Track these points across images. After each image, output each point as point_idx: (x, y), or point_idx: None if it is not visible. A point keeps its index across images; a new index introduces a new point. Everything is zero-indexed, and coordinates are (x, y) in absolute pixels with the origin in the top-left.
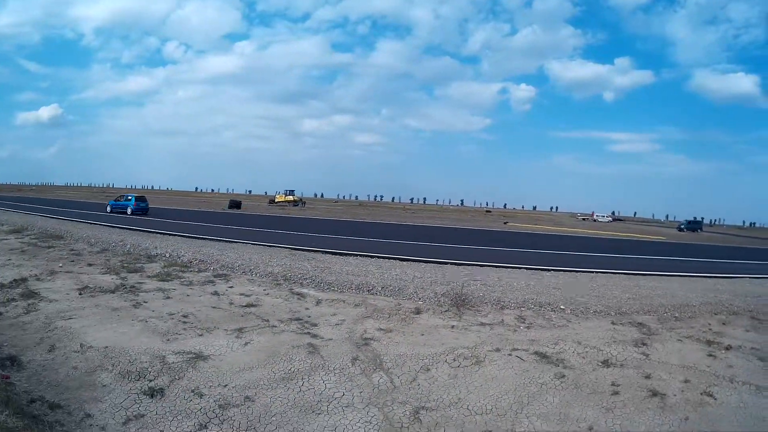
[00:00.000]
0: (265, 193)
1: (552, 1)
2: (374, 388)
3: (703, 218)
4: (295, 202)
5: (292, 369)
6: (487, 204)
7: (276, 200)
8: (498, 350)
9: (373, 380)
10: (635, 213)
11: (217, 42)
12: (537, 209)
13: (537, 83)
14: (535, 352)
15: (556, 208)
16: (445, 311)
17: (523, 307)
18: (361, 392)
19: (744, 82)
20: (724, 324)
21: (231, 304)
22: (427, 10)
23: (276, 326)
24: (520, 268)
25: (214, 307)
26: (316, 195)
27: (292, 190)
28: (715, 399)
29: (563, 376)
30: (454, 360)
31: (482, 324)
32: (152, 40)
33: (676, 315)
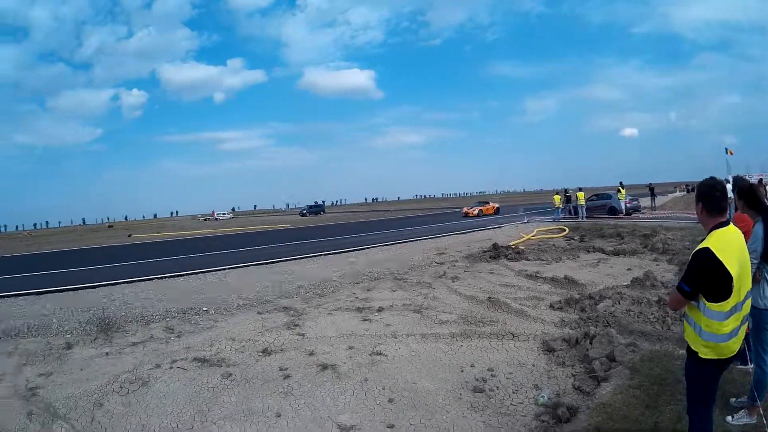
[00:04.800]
0: None
1: (171, 3)
2: None
3: (324, 201)
4: None
5: None
6: (108, 219)
7: None
8: (159, 366)
9: (55, 430)
10: (255, 206)
11: None
12: (158, 216)
13: (148, 88)
14: (195, 359)
15: (177, 212)
16: (95, 339)
17: (168, 317)
18: None
19: (359, 77)
20: (368, 290)
21: None
22: (46, 10)
23: None
24: (150, 279)
25: None
26: None
27: None
28: (386, 355)
29: (230, 374)
30: (122, 387)
31: (134, 344)
32: None
33: (319, 292)
